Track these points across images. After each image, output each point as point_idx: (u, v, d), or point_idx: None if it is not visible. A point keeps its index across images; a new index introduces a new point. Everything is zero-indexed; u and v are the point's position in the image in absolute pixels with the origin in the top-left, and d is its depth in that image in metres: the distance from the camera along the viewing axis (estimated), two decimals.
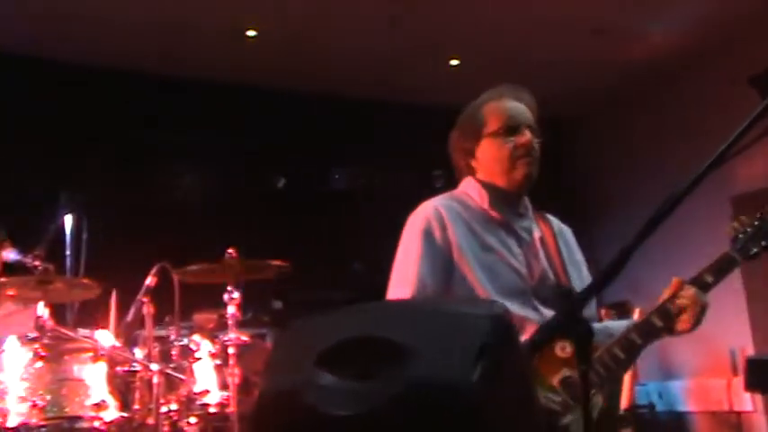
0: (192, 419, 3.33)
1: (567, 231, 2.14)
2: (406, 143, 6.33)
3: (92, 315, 3.86)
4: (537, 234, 2.04)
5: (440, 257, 1.93)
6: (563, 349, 1.67)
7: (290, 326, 1.26)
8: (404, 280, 1.92)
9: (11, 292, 3.17)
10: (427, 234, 1.96)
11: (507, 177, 1.99)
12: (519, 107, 2.05)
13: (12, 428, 2.75)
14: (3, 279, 3.17)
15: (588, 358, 1.14)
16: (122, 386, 3.12)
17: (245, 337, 3.58)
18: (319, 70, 6.01)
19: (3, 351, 2.89)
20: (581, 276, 2.01)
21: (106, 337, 3.23)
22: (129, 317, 3.20)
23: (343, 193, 6.61)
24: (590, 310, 1.90)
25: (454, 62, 6.18)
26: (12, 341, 2.91)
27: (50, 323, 2.96)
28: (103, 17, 5.13)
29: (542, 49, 5.81)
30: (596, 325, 1.74)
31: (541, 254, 2.00)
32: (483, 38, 5.72)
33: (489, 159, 2.03)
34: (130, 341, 3.55)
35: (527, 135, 1.99)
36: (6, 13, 4.96)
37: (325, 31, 5.56)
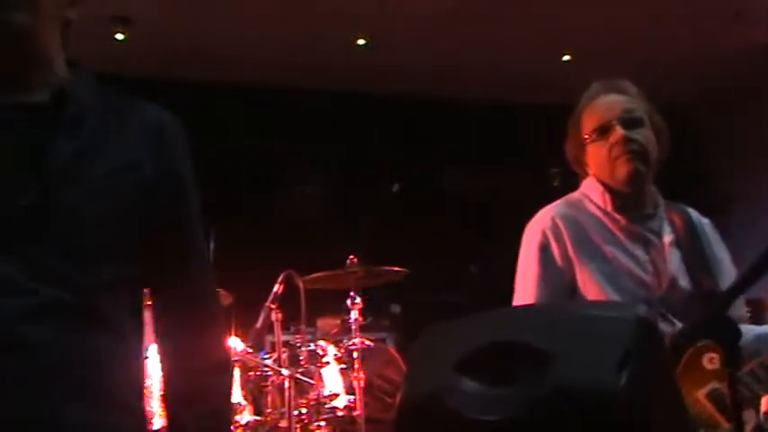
0: (322, 423, 3.42)
1: (706, 224, 2.00)
2: (521, 142, 6.27)
3: None
4: (668, 236, 1.93)
5: (558, 277, 1.88)
6: (711, 361, 1.55)
7: (426, 332, 1.28)
8: (525, 301, 1.90)
9: (149, 302, 3.34)
10: (544, 250, 1.90)
11: (613, 180, 1.90)
12: (608, 103, 1.93)
13: (156, 431, 2.91)
14: None
15: (738, 363, 1.08)
16: (255, 390, 3.24)
17: (368, 342, 3.66)
18: (430, 74, 6.04)
19: (147, 357, 3.05)
20: (723, 274, 1.89)
21: (238, 344, 3.37)
22: (259, 323, 3.32)
23: (458, 194, 6.61)
24: (737, 310, 1.79)
25: (566, 57, 6.08)
26: (154, 348, 3.07)
27: None
28: (221, 36, 5.36)
29: (667, 37, 5.63)
30: (745, 327, 1.63)
31: (673, 257, 1.89)
32: (597, 30, 5.59)
33: (595, 166, 1.95)
34: (259, 347, 3.70)
35: (618, 132, 1.87)
36: (140, 45, 5.24)
37: (438, 36, 5.59)
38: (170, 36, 5.33)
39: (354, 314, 3.61)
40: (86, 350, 1.20)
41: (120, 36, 5.18)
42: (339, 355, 3.56)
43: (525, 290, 1.91)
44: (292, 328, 4.09)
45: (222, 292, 3.30)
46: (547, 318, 1.15)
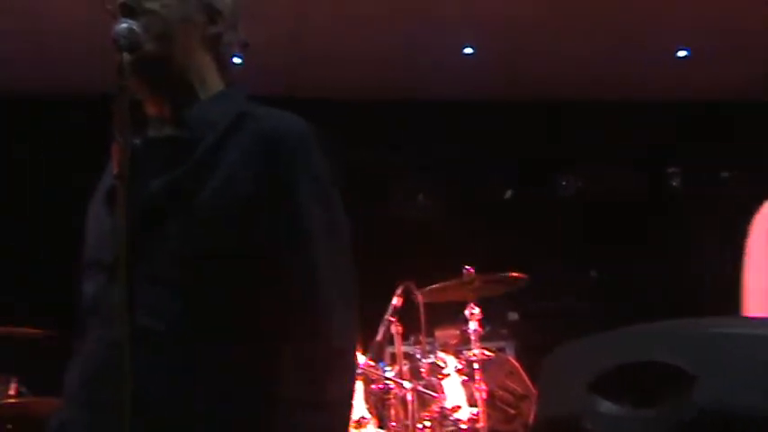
0: None
1: None
2: (637, 142, 6.08)
3: None
4: None
5: None
6: None
7: (558, 350, 1.26)
8: (758, 298, 1.75)
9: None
10: None
11: None
12: None
13: None
14: None
15: None
16: (378, 404, 3.27)
17: (488, 352, 3.63)
18: (539, 77, 5.96)
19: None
20: None
21: (359, 357, 3.42)
22: (379, 336, 3.35)
23: (573, 198, 6.48)
24: None
25: (682, 54, 5.85)
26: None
27: None
28: (337, 54, 5.48)
29: None
30: None
31: None
32: (714, 22, 5.35)
33: None
34: (380, 359, 3.73)
35: None
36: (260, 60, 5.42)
37: (542, 39, 5.51)
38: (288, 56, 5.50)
39: (473, 325, 3.59)
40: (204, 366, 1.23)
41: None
42: (460, 366, 3.55)
43: (757, 285, 1.74)
44: (411, 339, 4.10)
45: None
46: (688, 335, 1.11)
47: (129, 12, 1.32)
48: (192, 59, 1.39)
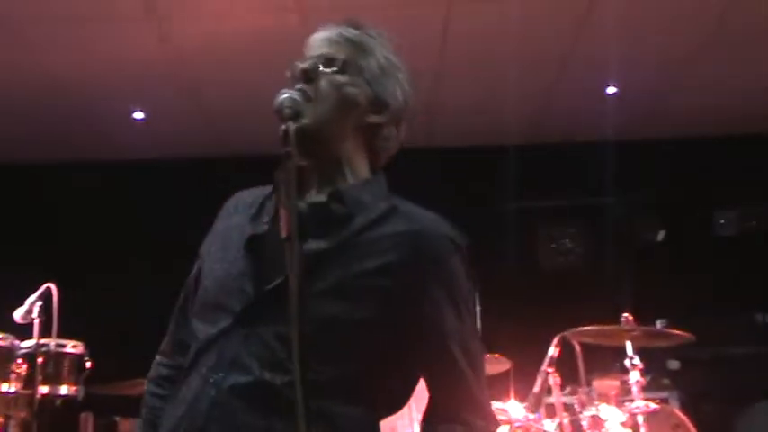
0: None
1: None
2: None
3: (490, 387, 4.03)
4: None
5: None
6: None
7: (753, 409, 1.17)
8: None
9: None
10: None
11: None
12: None
13: None
14: None
15: None
16: None
17: (653, 404, 3.44)
18: (679, 114, 5.75)
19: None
20: None
21: (517, 409, 3.34)
22: (537, 387, 3.26)
23: (733, 238, 6.11)
24: None
25: None
26: None
27: None
28: (476, 100, 5.51)
29: None
30: None
31: None
32: None
33: None
34: (537, 410, 3.62)
35: None
36: None
37: (686, 76, 5.31)
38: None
39: (635, 375, 3.42)
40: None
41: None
42: (623, 419, 3.38)
43: None
44: (568, 390, 3.97)
45: (499, 357, 3.31)
46: None
47: (307, 80, 1.38)
48: (346, 140, 1.43)
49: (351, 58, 1.43)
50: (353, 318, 1.29)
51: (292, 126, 1.29)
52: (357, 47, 1.45)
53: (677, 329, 3.53)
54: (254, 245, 1.37)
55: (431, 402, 1.36)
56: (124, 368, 3.78)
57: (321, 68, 1.41)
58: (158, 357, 1.58)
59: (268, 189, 1.49)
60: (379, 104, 1.45)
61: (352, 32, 1.46)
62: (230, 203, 1.54)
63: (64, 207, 5.94)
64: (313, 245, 1.30)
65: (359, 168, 1.44)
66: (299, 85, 1.37)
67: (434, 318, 1.34)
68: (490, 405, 1.40)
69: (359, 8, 4.38)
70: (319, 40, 1.46)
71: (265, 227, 1.39)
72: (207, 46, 4.85)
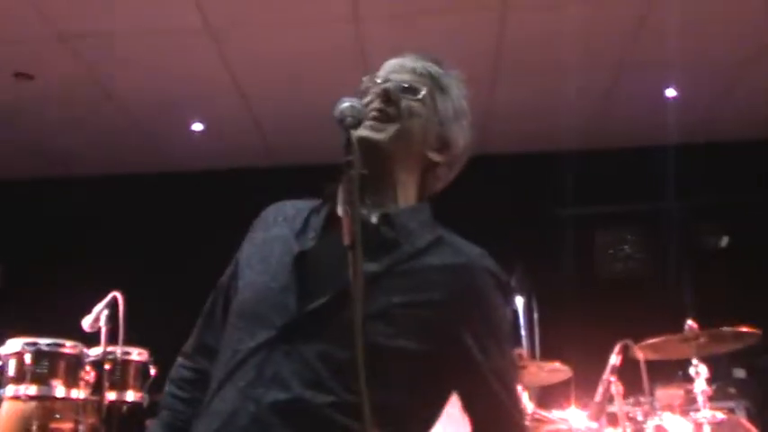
0: None
1: None
2: None
3: (550, 395, 3.97)
4: None
5: None
6: None
7: None
8: None
9: None
10: None
11: None
12: None
13: None
14: None
15: None
16: None
17: (721, 414, 3.36)
18: (741, 116, 5.60)
19: None
20: None
21: (578, 418, 3.29)
22: (598, 397, 3.21)
23: None
24: None
25: None
26: None
27: (531, 405, 3.10)
28: (533, 106, 5.47)
29: None
30: None
31: None
32: None
33: None
34: (598, 421, 3.56)
35: None
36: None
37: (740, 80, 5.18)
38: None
39: (700, 384, 3.34)
40: None
41: None
42: (689, 429, 3.30)
43: None
44: (631, 400, 3.89)
45: (560, 366, 3.27)
46: None
47: (387, 100, 1.42)
48: (405, 167, 1.45)
49: (431, 94, 1.47)
50: (395, 345, 1.29)
51: (354, 134, 1.29)
52: (438, 84, 1.49)
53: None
54: (299, 259, 1.37)
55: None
56: None
57: (403, 94, 1.44)
58: (180, 359, 1.58)
59: (311, 203, 1.50)
60: (443, 144, 1.49)
61: (435, 69, 1.50)
62: (269, 213, 1.54)
63: (127, 218, 6.09)
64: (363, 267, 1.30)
65: (408, 195, 1.46)
66: (377, 104, 1.40)
67: (475, 352, 1.34)
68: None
69: (416, 15, 4.41)
70: (401, 67, 1.49)
71: (312, 242, 1.40)
72: (263, 58, 4.93)
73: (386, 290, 1.31)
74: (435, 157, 1.48)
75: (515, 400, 1.40)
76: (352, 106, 1.33)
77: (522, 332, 4.34)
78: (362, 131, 1.36)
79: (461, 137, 1.52)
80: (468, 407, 1.37)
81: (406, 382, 1.30)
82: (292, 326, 1.30)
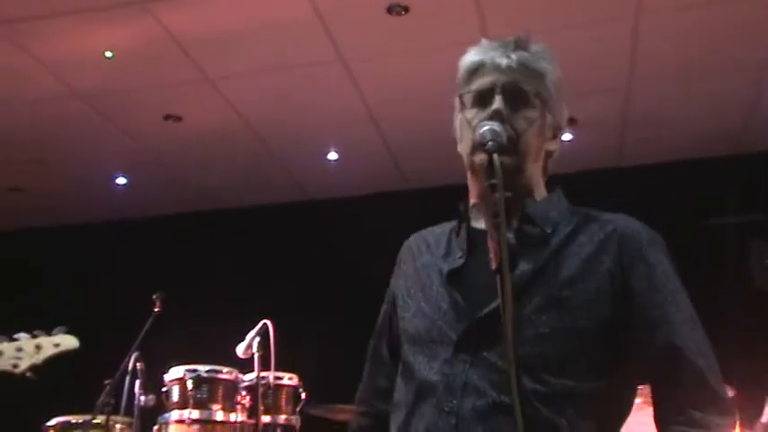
0: None
1: None
2: None
3: None
4: None
5: None
6: None
7: None
8: None
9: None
10: None
11: None
12: None
13: None
14: None
15: None
16: None
17: None
18: None
19: None
20: None
21: None
22: (765, 417, 3.02)
23: None
24: None
25: None
26: None
27: None
28: (668, 115, 5.28)
29: None
30: None
31: None
32: None
33: None
34: None
35: None
36: (588, 135, 5.43)
37: None
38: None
39: None
40: None
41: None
42: None
43: None
44: None
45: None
46: None
47: (499, 119, 1.40)
48: (534, 170, 1.47)
49: (535, 89, 1.45)
50: (574, 328, 1.31)
51: (497, 158, 1.30)
52: (537, 75, 1.46)
53: None
54: (454, 279, 1.42)
55: (661, 402, 1.34)
56: (335, 396, 3.93)
57: (510, 107, 1.42)
58: (358, 407, 1.64)
59: (446, 226, 1.55)
60: (555, 130, 1.50)
61: (528, 59, 1.46)
62: (411, 245, 1.59)
63: (270, 247, 6.34)
64: (518, 268, 1.31)
65: (539, 187, 1.49)
66: (497, 125, 1.38)
67: (651, 312, 1.35)
68: (727, 397, 1.35)
69: (544, 31, 4.35)
70: (497, 67, 1.46)
71: (461, 261, 1.44)
72: (394, 85, 5.02)
73: (548, 281, 1.35)
74: (552, 145, 1.49)
75: (708, 358, 1.34)
76: (492, 130, 1.35)
77: None
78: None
79: (565, 110, 1.52)
80: (657, 376, 1.35)
81: (590, 363, 1.32)
82: (468, 337, 1.34)
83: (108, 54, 4.64)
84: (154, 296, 3.90)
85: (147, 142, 5.75)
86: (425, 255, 1.52)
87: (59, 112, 5.27)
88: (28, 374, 2.28)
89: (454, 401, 1.30)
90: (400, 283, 1.55)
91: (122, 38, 4.54)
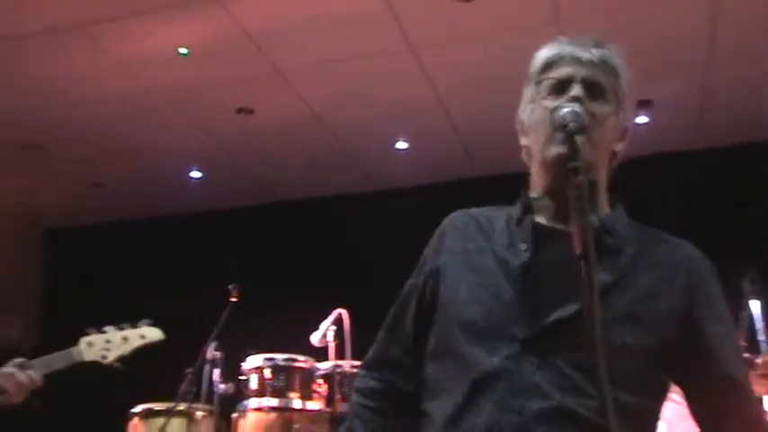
0: None
1: None
2: None
3: None
4: None
5: None
6: None
7: None
8: None
9: None
10: None
11: None
12: None
13: None
14: None
15: None
16: None
17: None
18: None
19: None
20: None
21: None
22: None
23: None
24: None
25: None
26: None
27: None
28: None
29: None
30: None
31: None
32: None
33: None
34: None
35: None
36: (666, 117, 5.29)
37: None
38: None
39: None
40: None
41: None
42: None
43: None
44: None
45: None
46: None
47: (579, 104, 1.37)
48: (602, 169, 1.44)
49: (611, 86, 1.43)
50: (644, 344, 1.30)
51: (580, 140, 1.29)
52: (613, 73, 1.44)
53: None
54: (522, 272, 1.37)
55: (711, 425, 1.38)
56: None
57: (588, 97, 1.39)
58: (363, 371, 1.58)
59: (496, 212, 1.51)
60: (623, 132, 1.48)
61: (607, 55, 1.44)
62: (457, 223, 1.52)
63: (341, 237, 6.38)
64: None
65: (603, 194, 1.45)
66: (579, 107, 1.35)
67: (710, 337, 1.37)
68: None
69: (618, 8, 4.26)
70: (577, 59, 1.44)
71: (527, 254, 1.39)
72: (463, 71, 4.98)
73: (622, 294, 1.33)
74: (618, 146, 1.46)
75: (751, 388, 1.40)
76: (574, 111, 1.33)
77: (761, 337, 3.98)
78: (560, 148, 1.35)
79: (632, 114, 1.50)
80: (702, 392, 1.38)
81: (651, 380, 1.33)
82: (537, 337, 1.30)
83: (182, 51, 4.74)
84: (230, 286, 3.98)
85: (220, 136, 5.86)
86: (478, 238, 1.46)
87: (136, 109, 5.42)
88: (116, 365, 2.37)
89: (518, 401, 1.27)
90: (445, 259, 1.48)
91: (196, 34, 4.64)
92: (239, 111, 5.43)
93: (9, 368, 2.20)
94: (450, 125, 5.65)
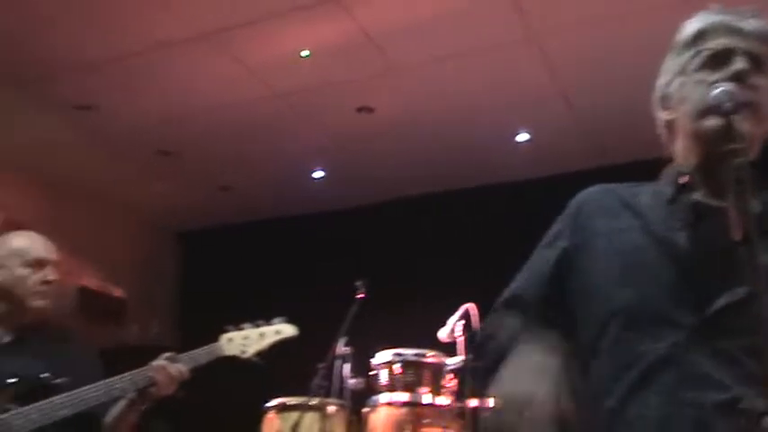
0: None
1: None
2: None
3: None
4: None
5: None
6: None
7: None
8: None
9: None
10: None
11: None
12: None
13: None
14: None
15: None
16: None
17: None
18: None
19: None
20: None
21: None
22: None
23: None
24: None
25: None
26: None
27: None
28: None
29: None
30: None
31: None
32: None
33: None
34: None
35: None
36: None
37: None
38: None
39: None
40: None
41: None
42: None
43: None
44: None
45: None
46: None
47: (741, 81, 1.32)
48: (758, 145, 1.37)
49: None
50: None
51: (739, 120, 1.23)
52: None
53: None
54: (682, 253, 1.30)
55: None
56: None
57: (752, 69, 1.33)
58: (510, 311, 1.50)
59: (641, 188, 1.43)
60: None
61: (765, 26, 1.38)
62: (599, 199, 1.46)
63: (463, 232, 6.34)
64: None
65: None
66: (734, 86, 1.29)
67: None
68: None
69: None
70: (737, 30, 1.37)
71: (687, 233, 1.32)
72: (582, 58, 4.84)
73: None
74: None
75: None
76: (727, 91, 1.27)
77: None
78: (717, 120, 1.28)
79: None
80: None
81: None
82: (706, 324, 1.24)
83: (304, 53, 4.84)
84: (358, 283, 4.03)
85: (341, 135, 5.94)
86: (625, 216, 1.39)
87: (259, 112, 5.58)
88: (254, 359, 2.47)
89: (693, 392, 1.21)
90: (588, 237, 1.41)
91: (317, 36, 4.72)
92: (360, 110, 5.49)
93: (160, 361, 2.33)
94: (573, 115, 5.50)
